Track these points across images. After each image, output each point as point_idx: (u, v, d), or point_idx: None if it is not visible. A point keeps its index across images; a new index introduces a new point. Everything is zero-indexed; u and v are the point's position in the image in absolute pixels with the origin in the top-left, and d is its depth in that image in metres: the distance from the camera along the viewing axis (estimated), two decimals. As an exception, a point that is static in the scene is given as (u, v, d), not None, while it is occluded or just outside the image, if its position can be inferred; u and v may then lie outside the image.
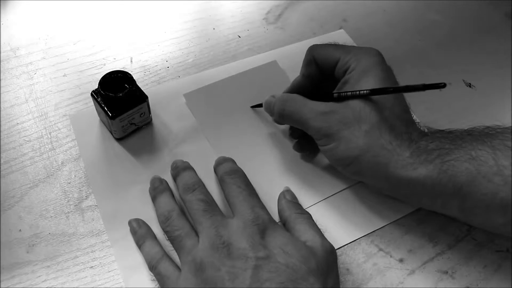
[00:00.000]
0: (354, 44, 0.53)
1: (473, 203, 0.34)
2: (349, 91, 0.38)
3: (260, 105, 0.45)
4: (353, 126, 0.36)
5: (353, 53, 0.40)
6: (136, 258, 0.38)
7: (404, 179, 0.35)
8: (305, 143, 0.43)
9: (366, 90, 0.37)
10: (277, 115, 0.41)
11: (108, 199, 0.41)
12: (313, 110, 0.38)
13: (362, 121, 0.36)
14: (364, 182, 0.40)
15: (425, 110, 0.47)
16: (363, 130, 0.36)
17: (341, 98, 0.38)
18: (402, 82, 0.39)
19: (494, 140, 0.34)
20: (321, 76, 0.42)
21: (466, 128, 0.37)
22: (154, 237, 0.38)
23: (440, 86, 0.32)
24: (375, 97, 0.37)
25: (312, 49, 0.42)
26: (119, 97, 0.39)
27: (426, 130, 0.38)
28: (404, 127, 0.37)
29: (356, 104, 0.37)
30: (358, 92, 0.37)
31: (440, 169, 0.34)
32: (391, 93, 0.36)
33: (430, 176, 0.34)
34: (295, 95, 0.40)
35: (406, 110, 0.38)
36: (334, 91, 0.39)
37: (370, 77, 0.38)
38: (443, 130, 0.38)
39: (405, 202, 0.40)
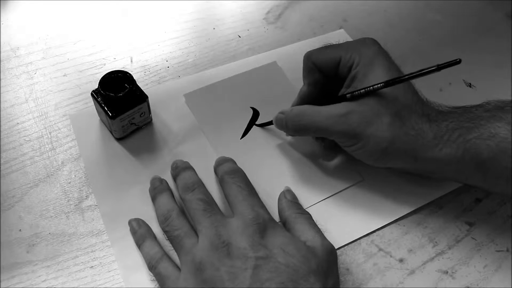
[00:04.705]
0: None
1: (496, 175, 0.36)
2: (363, 89, 0.37)
3: (268, 123, 0.45)
4: (376, 122, 0.37)
5: (352, 48, 0.40)
6: (136, 258, 0.38)
7: (431, 160, 0.37)
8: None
9: (380, 83, 0.36)
10: (293, 130, 0.41)
11: (108, 199, 0.41)
12: (330, 116, 0.38)
13: (382, 114, 0.37)
14: (391, 167, 0.40)
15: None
16: (386, 123, 0.37)
17: (355, 97, 0.38)
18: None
19: (510, 115, 0.36)
20: (325, 80, 0.42)
21: (479, 103, 0.38)
22: (154, 237, 0.38)
23: (456, 62, 0.32)
24: (387, 88, 0.37)
25: (310, 56, 0.41)
26: (119, 97, 0.39)
27: (439, 108, 0.39)
28: (420, 110, 0.37)
29: (371, 99, 0.37)
30: (372, 87, 0.37)
31: (464, 148, 0.36)
32: (405, 81, 0.36)
33: (455, 155, 0.36)
34: (305, 106, 0.40)
35: (416, 92, 0.39)
36: (347, 92, 0.39)
37: (376, 68, 0.38)
38: (459, 107, 0.38)
39: (428, 177, 0.40)
